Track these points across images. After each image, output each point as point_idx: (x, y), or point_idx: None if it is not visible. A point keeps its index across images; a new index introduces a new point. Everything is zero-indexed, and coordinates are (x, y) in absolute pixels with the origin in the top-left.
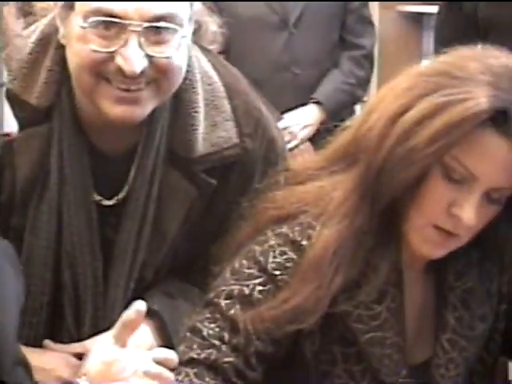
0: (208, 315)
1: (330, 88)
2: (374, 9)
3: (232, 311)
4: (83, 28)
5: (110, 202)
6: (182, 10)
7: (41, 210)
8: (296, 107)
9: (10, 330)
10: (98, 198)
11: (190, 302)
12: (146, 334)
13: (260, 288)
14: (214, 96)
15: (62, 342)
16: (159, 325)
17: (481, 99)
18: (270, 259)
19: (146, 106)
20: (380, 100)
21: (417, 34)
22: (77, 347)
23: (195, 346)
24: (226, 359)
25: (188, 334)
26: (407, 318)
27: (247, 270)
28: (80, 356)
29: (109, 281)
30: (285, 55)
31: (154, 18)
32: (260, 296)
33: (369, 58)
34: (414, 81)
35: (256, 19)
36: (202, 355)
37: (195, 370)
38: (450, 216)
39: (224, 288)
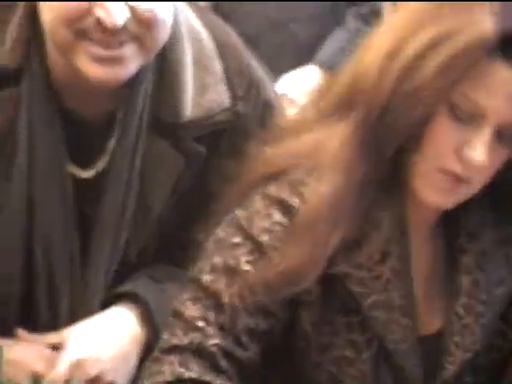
0: (190, 295)
1: (335, 48)
2: None
3: (216, 286)
4: None
5: (88, 175)
6: None
7: (9, 186)
8: (296, 69)
9: None
10: (73, 170)
11: (178, 286)
12: (130, 323)
13: (246, 258)
14: (203, 55)
15: (35, 331)
16: (145, 312)
17: (486, 24)
18: (256, 224)
19: (129, 65)
20: (376, 37)
21: None
22: (52, 338)
23: (178, 331)
24: (212, 341)
25: (171, 318)
26: (415, 282)
27: (231, 239)
28: (56, 347)
29: (87, 264)
30: (281, 10)
31: None
32: (247, 267)
33: (377, 14)
34: (412, 14)
35: None
36: (186, 340)
37: (179, 357)
38: (458, 158)
39: (206, 261)
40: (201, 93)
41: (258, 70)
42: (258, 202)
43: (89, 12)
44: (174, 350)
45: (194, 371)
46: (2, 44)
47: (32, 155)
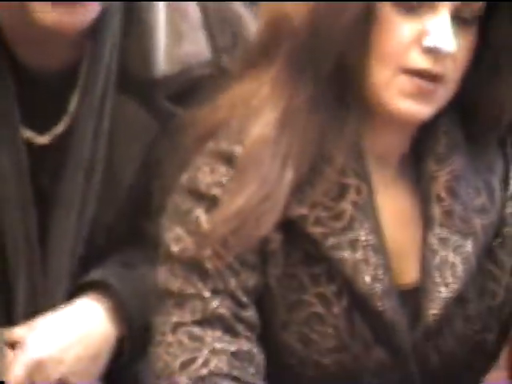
0: (168, 272)
1: None
2: None
3: (189, 255)
4: None
5: (45, 140)
6: None
7: None
8: None
9: None
10: (28, 133)
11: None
12: (99, 315)
13: (205, 216)
14: (177, 7)
15: None
16: (116, 304)
17: None
18: (203, 182)
19: (90, 8)
20: None
21: None
22: (7, 334)
23: (173, 310)
24: (214, 305)
25: (159, 301)
26: (384, 218)
27: (184, 205)
28: (12, 345)
29: (47, 246)
30: None
31: None
32: (209, 225)
33: None
34: None
35: None
36: (187, 315)
37: (187, 332)
38: (423, 52)
39: (170, 234)
40: (176, 42)
41: (245, 14)
42: (199, 161)
43: None
44: (177, 327)
45: (213, 342)
46: None
47: None
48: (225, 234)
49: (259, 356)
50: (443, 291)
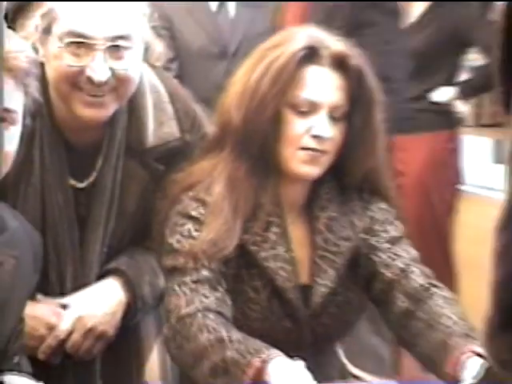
0: (174, 257)
1: None
2: None
3: (185, 250)
4: (59, 48)
5: (83, 185)
6: (135, 32)
7: (28, 192)
8: None
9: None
10: (72, 181)
11: (148, 261)
12: (115, 289)
13: (194, 227)
14: (160, 101)
15: (49, 296)
16: (126, 280)
17: (296, 43)
18: (192, 210)
19: (109, 108)
20: (231, 85)
21: None
22: (61, 300)
23: (178, 277)
24: (205, 274)
25: (170, 298)
26: (294, 244)
27: (181, 222)
28: (64, 307)
29: (85, 248)
30: (225, 79)
31: (115, 38)
32: (196, 233)
33: None
34: (251, 57)
35: (202, 49)
36: (187, 278)
37: (187, 287)
38: (311, 138)
39: (171, 247)
40: (159, 127)
41: (199, 111)
42: (187, 200)
43: (81, 72)
44: (182, 284)
45: (204, 291)
46: None
47: (44, 171)
48: (203, 249)
49: (230, 305)
50: (323, 288)
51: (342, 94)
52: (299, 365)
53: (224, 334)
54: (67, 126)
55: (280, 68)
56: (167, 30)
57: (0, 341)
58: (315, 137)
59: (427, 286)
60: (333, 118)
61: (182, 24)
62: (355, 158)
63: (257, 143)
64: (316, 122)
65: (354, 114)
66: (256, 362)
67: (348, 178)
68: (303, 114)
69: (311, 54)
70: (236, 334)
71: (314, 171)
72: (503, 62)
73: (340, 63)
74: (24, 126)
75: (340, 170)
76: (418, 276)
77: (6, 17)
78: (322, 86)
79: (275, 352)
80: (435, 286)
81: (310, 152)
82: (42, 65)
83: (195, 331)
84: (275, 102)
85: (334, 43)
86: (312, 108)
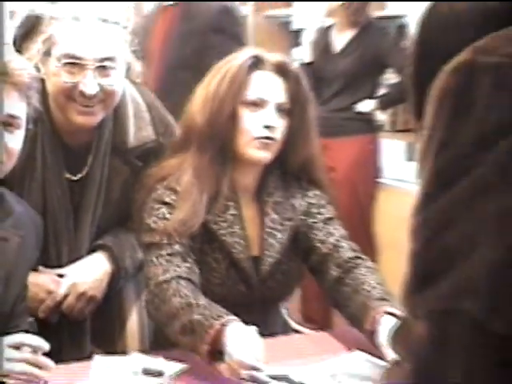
0: (151, 235)
1: None
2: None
3: (160, 229)
4: (57, 67)
5: (76, 178)
6: (119, 55)
7: (32, 184)
8: None
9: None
10: (68, 175)
11: (129, 239)
12: (102, 261)
13: (167, 211)
14: (139, 110)
15: (48, 268)
16: (111, 254)
17: (243, 55)
18: (165, 197)
19: (98, 116)
20: (195, 94)
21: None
22: (59, 271)
23: (155, 250)
24: (178, 248)
25: (149, 268)
26: (247, 223)
27: (156, 207)
28: (61, 276)
29: (78, 228)
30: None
31: (102, 59)
32: (169, 215)
33: None
34: (211, 74)
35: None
36: (163, 251)
37: (164, 259)
38: (263, 128)
39: (149, 227)
40: (138, 131)
41: (171, 118)
42: (161, 189)
43: (75, 87)
44: (159, 256)
45: (177, 262)
46: None
47: (45, 167)
48: (175, 227)
49: (197, 273)
50: (270, 259)
51: (284, 94)
52: (252, 329)
53: (192, 299)
54: (64, 129)
55: (233, 75)
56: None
57: (7, 303)
58: (266, 127)
59: (354, 258)
60: (278, 112)
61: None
62: (295, 148)
63: (218, 138)
64: (266, 115)
65: (293, 111)
66: (216, 324)
67: (289, 167)
68: (255, 109)
69: (257, 62)
70: (202, 300)
71: (266, 156)
72: (415, 80)
73: (281, 69)
74: (27, 129)
75: (283, 162)
76: (347, 250)
77: (14, 42)
78: (268, 86)
79: (233, 318)
80: (360, 258)
81: (263, 140)
82: (43, 81)
83: (170, 295)
84: (232, 103)
85: (274, 55)
86: (261, 104)
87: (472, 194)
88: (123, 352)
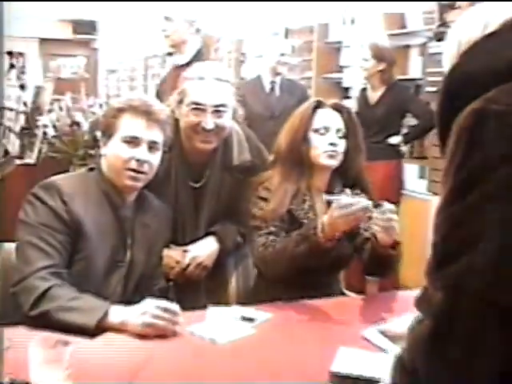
0: (256, 234)
1: None
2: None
3: (258, 222)
4: (187, 111)
5: (197, 185)
6: (228, 102)
7: (168, 190)
8: None
9: None
10: (192, 184)
11: (231, 228)
12: (213, 242)
13: (264, 204)
14: (240, 140)
15: (177, 246)
16: (219, 238)
17: (310, 101)
18: (263, 194)
19: (213, 144)
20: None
21: None
22: (184, 248)
23: (261, 243)
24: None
25: (253, 243)
26: (318, 211)
27: (257, 202)
28: (186, 252)
29: (198, 221)
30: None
31: (217, 105)
32: (266, 206)
33: None
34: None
35: (259, 113)
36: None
37: (272, 246)
38: (328, 145)
39: (253, 214)
40: (239, 154)
41: (261, 146)
42: (254, 199)
43: (199, 124)
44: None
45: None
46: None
47: (177, 178)
48: (269, 214)
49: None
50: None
51: (341, 123)
52: None
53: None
54: (189, 152)
55: (303, 113)
56: (242, 101)
57: (150, 268)
58: (331, 144)
59: None
60: (338, 135)
61: (249, 98)
62: (351, 162)
63: (296, 155)
64: (330, 137)
65: (348, 135)
66: (312, 226)
67: (347, 177)
68: (322, 133)
69: (319, 104)
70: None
71: (333, 163)
72: (441, 119)
73: (337, 107)
74: (164, 151)
75: (343, 173)
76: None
77: (156, 94)
78: (329, 118)
79: None
80: None
81: (330, 152)
82: (177, 120)
83: (271, 249)
84: (303, 130)
85: (330, 100)
86: (326, 130)
87: (479, 203)
88: (226, 304)
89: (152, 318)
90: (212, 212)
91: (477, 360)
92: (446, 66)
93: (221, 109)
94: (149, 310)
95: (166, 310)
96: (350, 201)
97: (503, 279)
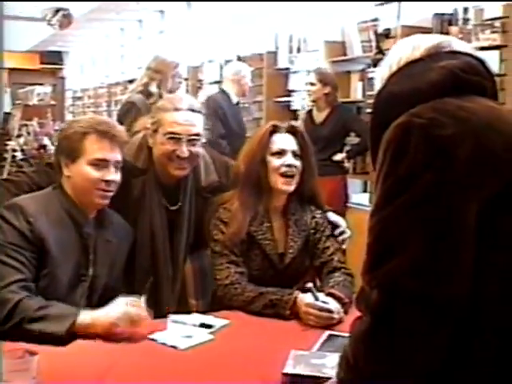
0: (217, 261)
1: None
2: None
3: (219, 248)
4: (162, 140)
5: (173, 208)
6: (201, 131)
7: (143, 212)
8: None
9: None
10: (167, 205)
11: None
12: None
13: (224, 227)
14: (206, 162)
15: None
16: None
17: (267, 126)
18: (223, 216)
19: (187, 170)
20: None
21: None
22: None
23: (223, 276)
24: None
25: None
26: (275, 232)
27: (217, 224)
28: None
29: (175, 242)
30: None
31: (192, 135)
32: (225, 229)
33: None
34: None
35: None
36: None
37: (238, 285)
38: (285, 167)
39: (213, 237)
40: (207, 176)
41: (231, 162)
42: (214, 221)
43: (174, 152)
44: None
45: None
46: (140, 159)
47: (152, 202)
48: (229, 238)
49: (246, 272)
50: (290, 255)
51: (295, 145)
52: None
53: (261, 289)
54: (163, 178)
55: (261, 136)
56: (222, 119)
57: (112, 280)
58: (288, 165)
59: (339, 268)
60: (294, 157)
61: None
62: (306, 182)
63: (255, 177)
64: (286, 158)
65: (303, 156)
66: (292, 298)
67: (304, 195)
68: (279, 156)
69: (276, 129)
70: (264, 289)
71: (289, 188)
72: (372, 135)
73: (292, 130)
74: (137, 175)
75: (299, 192)
76: (336, 261)
77: (119, 121)
78: (285, 141)
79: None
80: (343, 268)
81: (287, 178)
82: (150, 148)
83: (238, 293)
84: (261, 154)
85: (285, 123)
86: (282, 152)
87: (405, 207)
88: (187, 312)
89: (120, 314)
90: (189, 234)
91: (414, 353)
92: (378, 86)
93: (195, 137)
94: (118, 306)
95: (133, 304)
96: (323, 306)
97: (431, 276)
